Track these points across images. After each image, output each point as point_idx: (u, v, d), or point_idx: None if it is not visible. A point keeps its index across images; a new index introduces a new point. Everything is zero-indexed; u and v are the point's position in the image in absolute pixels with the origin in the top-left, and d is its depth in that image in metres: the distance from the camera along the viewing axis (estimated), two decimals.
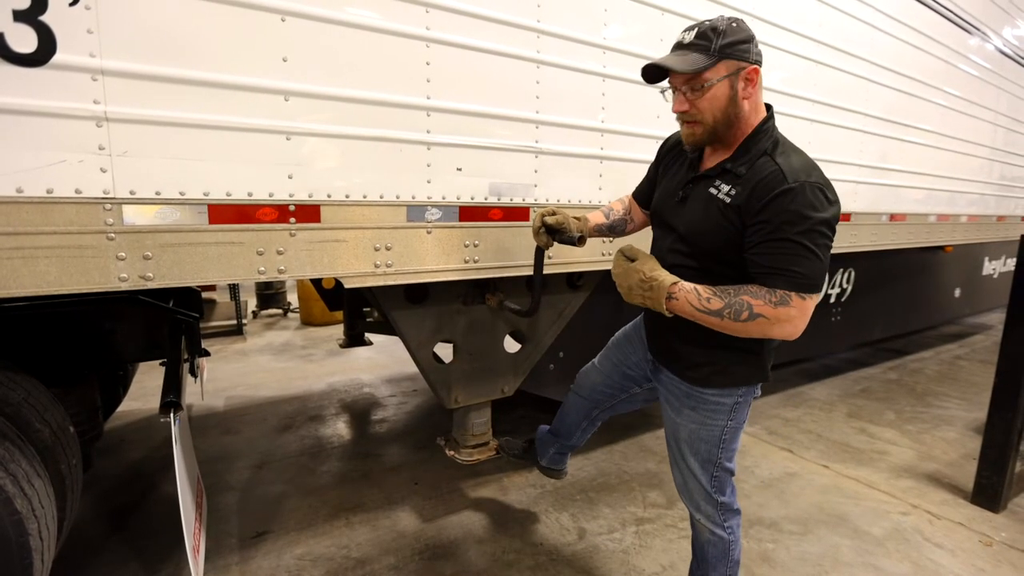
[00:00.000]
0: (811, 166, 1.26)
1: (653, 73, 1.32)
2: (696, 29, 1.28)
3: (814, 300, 1.20)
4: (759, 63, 1.29)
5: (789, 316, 1.18)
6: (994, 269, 6.17)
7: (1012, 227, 5.39)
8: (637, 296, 1.31)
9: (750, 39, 1.28)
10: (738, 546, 1.60)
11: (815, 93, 3.01)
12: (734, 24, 1.28)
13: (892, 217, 3.77)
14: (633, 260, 1.33)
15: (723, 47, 1.25)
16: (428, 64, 1.75)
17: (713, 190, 1.32)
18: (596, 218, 1.75)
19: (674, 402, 1.55)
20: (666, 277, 1.27)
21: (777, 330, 1.21)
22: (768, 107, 1.36)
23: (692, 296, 1.25)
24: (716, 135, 1.32)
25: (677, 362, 1.52)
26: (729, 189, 1.29)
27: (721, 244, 1.30)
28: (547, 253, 1.89)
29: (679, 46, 1.31)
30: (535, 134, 2.02)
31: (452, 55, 1.79)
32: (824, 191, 1.21)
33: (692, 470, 1.54)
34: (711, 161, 1.39)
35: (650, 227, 1.68)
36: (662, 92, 1.42)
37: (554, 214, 1.65)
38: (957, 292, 5.62)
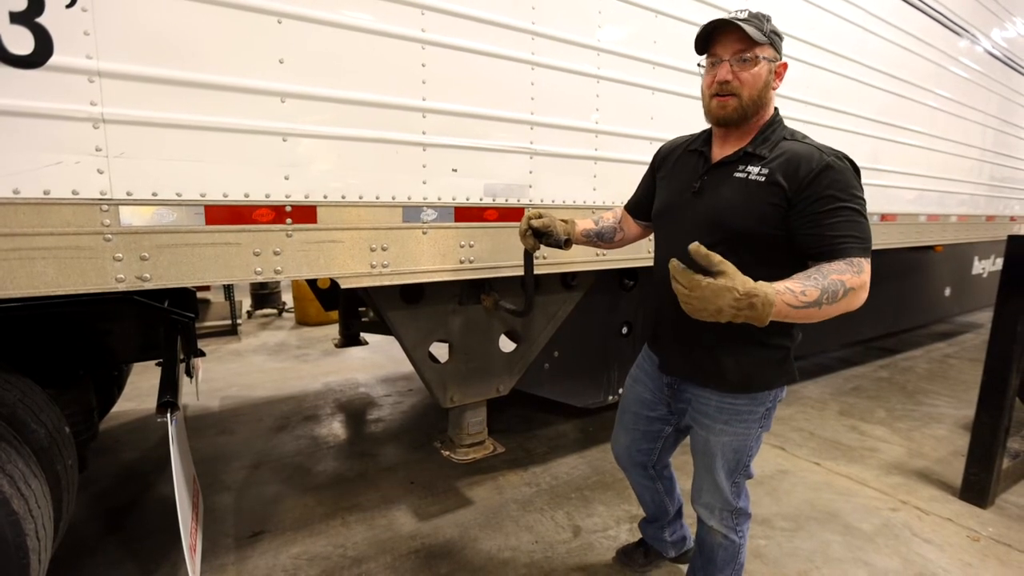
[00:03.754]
0: (824, 147, 1.31)
1: (705, 39, 1.35)
2: (747, 11, 1.32)
3: (870, 263, 1.21)
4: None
5: (864, 283, 1.18)
6: (983, 268, 6.24)
7: (1001, 227, 5.46)
8: (728, 316, 1.07)
9: (781, 37, 1.36)
10: (745, 550, 1.63)
11: (807, 95, 3.05)
12: (768, 19, 1.34)
13: (883, 217, 3.81)
14: (709, 273, 1.08)
15: (771, 33, 1.32)
16: (423, 66, 1.76)
17: (740, 174, 1.34)
18: (585, 224, 1.77)
19: (704, 420, 1.51)
20: (768, 289, 1.08)
21: (858, 300, 1.18)
22: (777, 110, 1.43)
23: (788, 296, 1.11)
24: (745, 114, 1.34)
25: (704, 374, 1.47)
26: (760, 169, 1.31)
27: (753, 222, 1.29)
28: (540, 253, 1.90)
29: (731, 22, 1.30)
30: (530, 135, 2.04)
31: (447, 57, 1.80)
32: (846, 160, 1.27)
33: (719, 481, 1.53)
34: (724, 151, 1.41)
35: (634, 241, 1.75)
36: (699, 65, 1.43)
37: (540, 216, 1.66)
38: (947, 291, 5.68)
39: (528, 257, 1.84)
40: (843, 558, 2.21)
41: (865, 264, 1.18)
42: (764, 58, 1.31)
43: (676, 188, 1.50)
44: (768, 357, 1.42)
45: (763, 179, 1.29)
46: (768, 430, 1.52)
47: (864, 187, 1.28)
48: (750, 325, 1.10)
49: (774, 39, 1.32)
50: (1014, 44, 4.88)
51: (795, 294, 1.11)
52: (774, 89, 1.36)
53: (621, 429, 1.84)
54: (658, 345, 1.63)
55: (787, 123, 1.43)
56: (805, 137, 1.35)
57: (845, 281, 1.15)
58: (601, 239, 1.78)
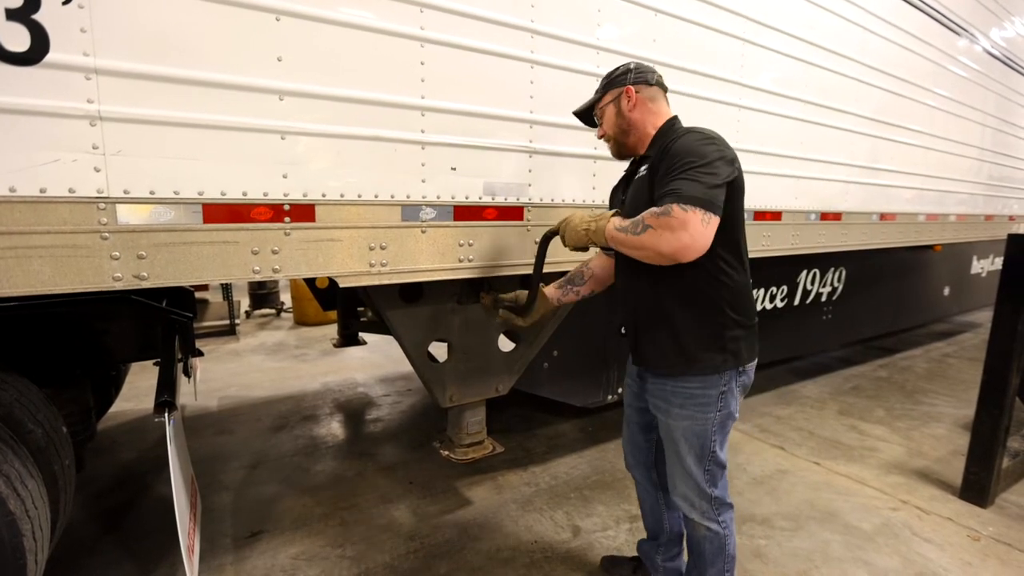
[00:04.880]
0: (705, 130, 1.49)
1: (582, 116, 1.78)
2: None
3: (698, 214, 1.31)
4: (641, 82, 1.61)
5: (670, 224, 1.31)
6: (982, 268, 6.24)
7: (1000, 226, 5.47)
8: (582, 233, 1.56)
9: (628, 70, 1.64)
10: (732, 540, 1.64)
11: (806, 94, 3.04)
12: (620, 66, 1.67)
13: (882, 216, 3.81)
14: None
15: (606, 85, 1.67)
16: (423, 64, 1.76)
17: (639, 176, 1.60)
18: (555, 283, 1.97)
19: (661, 404, 1.61)
20: (603, 221, 1.52)
21: (665, 240, 1.33)
22: (675, 117, 1.63)
23: (613, 223, 1.48)
24: (621, 143, 1.66)
25: (651, 359, 1.61)
26: (646, 167, 1.56)
27: (643, 206, 1.47)
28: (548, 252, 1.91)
29: (579, 110, 1.77)
30: (529, 134, 2.03)
31: (447, 55, 1.80)
32: (705, 136, 1.45)
33: (688, 467, 1.58)
34: (634, 167, 1.70)
35: (606, 276, 1.89)
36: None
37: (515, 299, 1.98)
38: (946, 291, 5.69)
39: (542, 251, 1.83)
40: (843, 557, 2.21)
41: (675, 209, 1.31)
42: (606, 105, 1.66)
43: (615, 204, 1.77)
44: (704, 335, 1.50)
45: (646, 172, 1.54)
46: (732, 415, 1.56)
47: (722, 148, 1.42)
48: (684, 309, 1.49)
49: (611, 83, 1.65)
50: (1013, 43, 4.89)
51: (616, 224, 1.47)
52: (632, 110, 1.60)
53: (624, 426, 1.92)
54: (627, 337, 1.75)
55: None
56: (695, 129, 1.52)
57: (645, 219, 1.37)
58: (572, 284, 1.94)
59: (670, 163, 1.41)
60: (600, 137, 1.73)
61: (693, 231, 1.30)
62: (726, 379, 1.52)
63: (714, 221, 1.33)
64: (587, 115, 1.76)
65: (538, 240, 1.85)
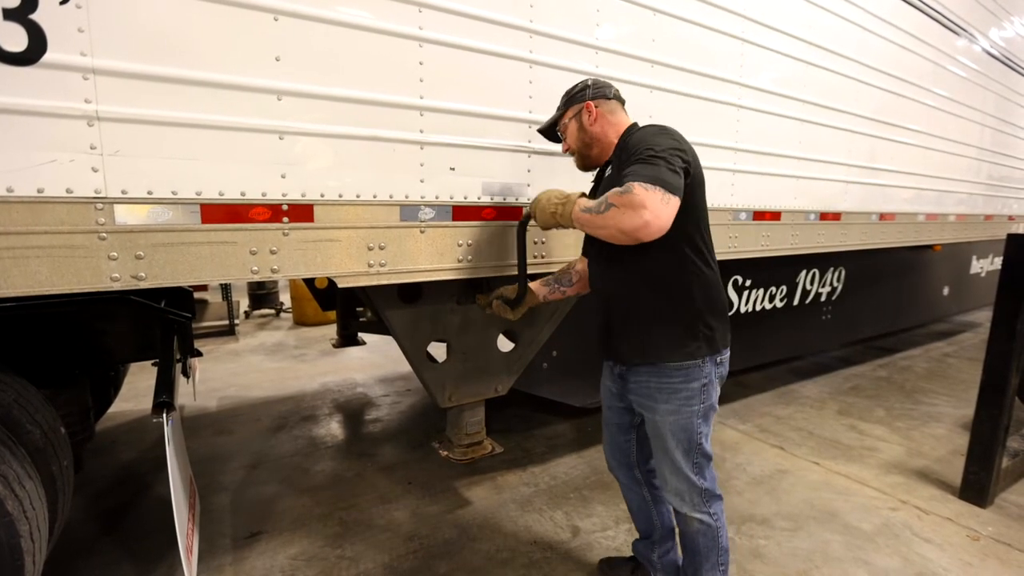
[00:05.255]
0: (662, 125, 1.56)
1: (546, 133, 1.84)
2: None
3: (658, 193, 1.35)
4: (600, 97, 1.68)
5: (631, 202, 1.35)
6: (982, 268, 6.24)
7: (999, 226, 5.46)
8: (549, 215, 1.61)
9: (587, 86, 1.70)
10: (724, 532, 1.66)
11: (805, 93, 3.04)
12: (578, 83, 1.73)
13: (881, 216, 3.81)
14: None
15: (566, 101, 1.73)
16: (421, 64, 1.75)
17: (608, 176, 1.68)
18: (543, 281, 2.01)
19: (646, 402, 1.63)
20: (571, 204, 1.56)
21: (627, 217, 1.37)
22: (634, 123, 1.68)
23: (579, 205, 1.53)
24: (586, 156, 1.73)
25: (625, 352, 1.64)
26: (612, 165, 1.64)
27: None
28: (538, 252, 1.91)
29: (543, 128, 1.84)
30: (528, 134, 2.03)
31: (445, 55, 1.80)
32: (661, 128, 1.52)
33: (677, 461, 1.60)
34: (603, 170, 1.77)
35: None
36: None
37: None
38: (946, 290, 5.69)
39: (521, 239, 1.86)
40: (843, 558, 2.21)
41: (636, 187, 1.35)
42: (567, 121, 1.72)
43: None
44: (676, 322, 1.54)
45: (612, 169, 1.63)
46: (714, 406, 1.59)
47: (676, 139, 1.47)
48: (658, 297, 1.54)
49: (571, 100, 1.71)
50: (1012, 43, 4.89)
51: (581, 206, 1.52)
52: (593, 124, 1.67)
53: (604, 427, 1.93)
54: (599, 334, 1.77)
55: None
56: (651, 125, 1.59)
57: (608, 198, 1.41)
58: (560, 283, 1.98)
59: (630, 152, 1.48)
60: (565, 152, 1.78)
61: (653, 208, 1.34)
62: (707, 371, 1.55)
63: (674, 201, 1.36)
64: (551, 132, 1.82)
65: (544, 240, 1.89)
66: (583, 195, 1.60)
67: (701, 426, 1.57)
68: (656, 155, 1.40)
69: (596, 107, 1.67)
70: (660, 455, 1.65)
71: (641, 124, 1.66)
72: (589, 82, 1.72)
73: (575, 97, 1.71)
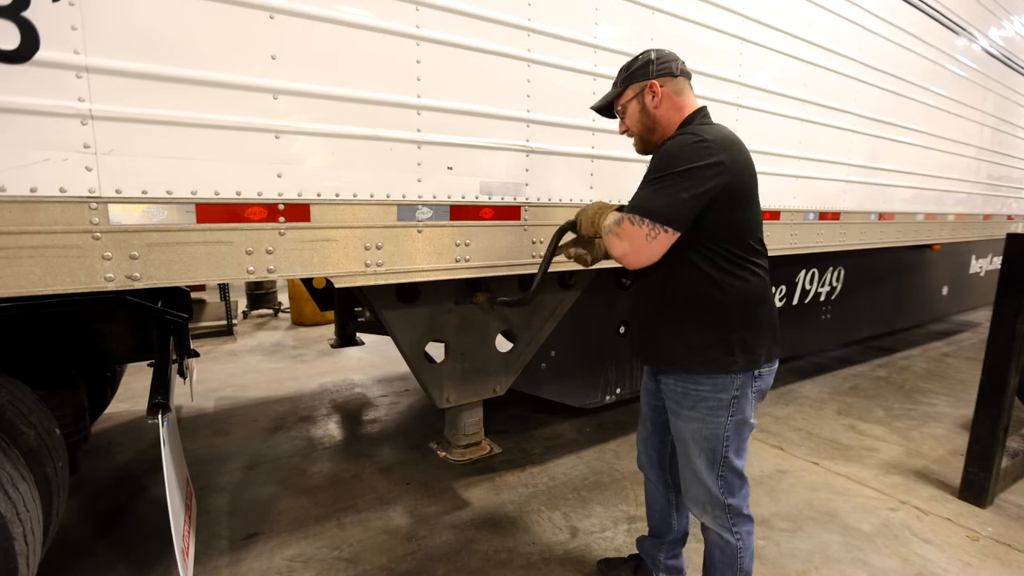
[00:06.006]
0: (711, 130, 1.41)
1: (603, 111, 1.69)
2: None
3: (643, 229, 1.36)
4: (665, 74, 1.51)
5: (617, 233, 1.40)
6: (981, 267, 6.24)
7: (998, 226, 5.46)
8: (591, 222, 1.63)
9: (650, 60, 1.53)
10: (749, 555, 1.57)
11: (805, 93, 3.04)
12: (640, 56, 1.56)
13: (881, 216, 3.80)
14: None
15: (625, 78, 1.57)
16: (418, 63, 1.74)
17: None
18: None
19: (672, 406, 1.57)
20: (612, 205, 1.60)
21: (614, 246, 1.44)
22: (701, 108, 1.54)
23: (611, 216, 1.50)
24: (646, 141, 1.60)
25: (656, 354, 1.59)
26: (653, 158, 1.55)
27: None
28: (536, 251, 1.89)
29: (600, 104, 1.68)
30: (526, 133, 2.02)
31: (443, 54, 1.79)
32: (699, 138, 1.37)
33: (699, 471, 1.54)
34: None
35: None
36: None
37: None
38: (945, 290, 5.68)
39: (556, 239, 1.79)
40: (842, 558, 2.20)
41: (624, 221, 1.39)
42: (628, 101, 1.57)
43: None
44: (707, 335, 1.45)
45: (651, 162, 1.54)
46: (746, 422, 1.50)
47: (712, 153, 1.34)
48: (686, 307, 1.46)
49: (631, 77, 1.55)
50: (1012, 43, 4.89)
51: (607, 220, 1.51)
52: (657, 108, 1.52)
53: (640, 424, 1.88)
54: (634, 332, 1.81)
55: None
56: (703, 127, 1.45)
57: (612, 222, 1.46)
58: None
59: (655, 162, 1.43)
60: (623, 133, 1.65)
61: (634, 245, 1.38)
62: (739, 383, 1.46)
63: (663, 236, 1.35)
64: (607, 109, 1.67)
65: (542, 239, 1.84)
66: (620, 208, 1.55)
67: (729, 440, 1.49)
68: (666, 177, 1.34)
69: (661, 87, 1.50)
70: (683, 460, 1.59)
71: (703, 115, 1.53)
72: (652, 55, 1.53)
73: (635, 73, 1.54)
